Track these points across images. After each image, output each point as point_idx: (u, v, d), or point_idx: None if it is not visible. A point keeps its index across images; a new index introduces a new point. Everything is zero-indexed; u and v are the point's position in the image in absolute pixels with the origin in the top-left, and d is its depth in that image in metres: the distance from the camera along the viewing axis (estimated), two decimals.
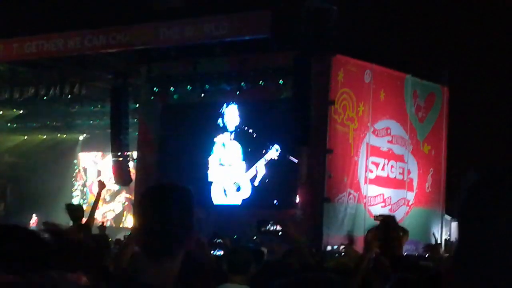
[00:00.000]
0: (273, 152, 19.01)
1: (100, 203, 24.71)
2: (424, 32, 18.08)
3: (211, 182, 19.90)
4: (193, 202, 3.17)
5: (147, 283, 2.99)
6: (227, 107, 19.85)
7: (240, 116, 19.68)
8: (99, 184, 11.30)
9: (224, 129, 19.95)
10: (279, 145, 18.62)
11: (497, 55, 18.03)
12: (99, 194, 11.25)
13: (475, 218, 1.30)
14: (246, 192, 19.48)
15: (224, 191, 19.85)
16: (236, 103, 19.68)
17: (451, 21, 18.24)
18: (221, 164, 20.00)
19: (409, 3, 17.81)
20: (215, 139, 20.10)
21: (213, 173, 20.04)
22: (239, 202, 19.42)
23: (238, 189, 19.68)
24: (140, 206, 3.21)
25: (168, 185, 3.32)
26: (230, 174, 19.77)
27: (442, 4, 18.03)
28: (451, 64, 19.03)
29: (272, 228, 17.49)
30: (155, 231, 3.02)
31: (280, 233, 16.90)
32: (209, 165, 20.12)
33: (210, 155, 20.13)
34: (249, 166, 19.46)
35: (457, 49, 18.42)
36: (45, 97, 22.01)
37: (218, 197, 19.78)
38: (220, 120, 19.95)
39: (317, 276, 2.37)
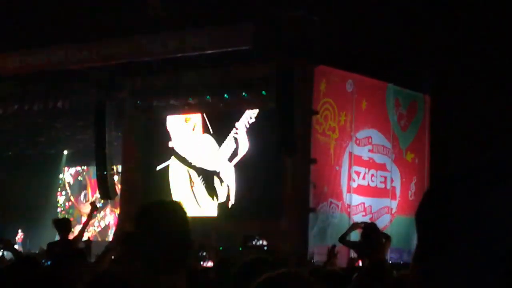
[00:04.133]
0: (246, 118, 19.03)
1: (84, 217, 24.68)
2: (405, 41, 18.14)
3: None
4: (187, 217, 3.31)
5: None
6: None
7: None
8: (91, 205, 11.37)
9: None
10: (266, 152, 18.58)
11: (479, 62, 18.10)
12: (90, 216, 11.29)
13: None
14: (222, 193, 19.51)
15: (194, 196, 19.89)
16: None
17: (432, 29, 18.31)
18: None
19: (390, 13, 17.88)
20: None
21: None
22: (214, 213, 19.45)
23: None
24: (142, 223, 3.24)
25: (167, 202, 3.51)
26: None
27: (423, 13, 18.10)
28: (433, 72, 19.10)
29: (258, 243, 17.54)
30: (166, 248, 3.09)
31: (266, 247, 16.96)
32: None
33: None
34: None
35: (438, 57, 18.49)
36: (29, 112, 21.96)
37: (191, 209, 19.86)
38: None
39: (290, 272, 2.50)
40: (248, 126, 19.05)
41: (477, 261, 1.10)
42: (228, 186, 19.39)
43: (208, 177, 19.77)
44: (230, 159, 19.35)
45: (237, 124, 19.15)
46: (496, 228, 1.10)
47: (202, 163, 19.94)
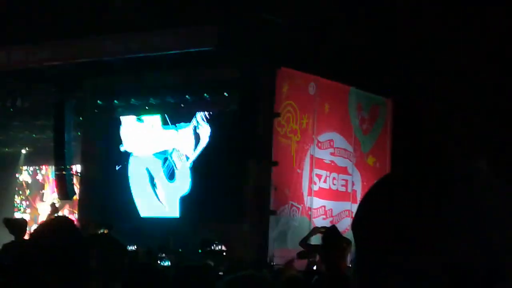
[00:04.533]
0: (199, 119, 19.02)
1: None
2: (367, 44, 18.19)
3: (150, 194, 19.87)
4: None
5: None
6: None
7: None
8: (51, 207, 11.22)
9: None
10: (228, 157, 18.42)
11: (441, 66, 18.21)
12: (49, 217, 11.14)
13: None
14: (183, 179, 19.37)
15: (154, 186, 19.73)
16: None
17: (394, 33, 18.39)
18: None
19: (352, 16, 17.93)
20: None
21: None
22: (177, 215, 19.33)
23: (171, 176, 19.51)
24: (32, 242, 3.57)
25: (53, 222, 3.80)
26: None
27: (385, 17, 18.18)
28: (395, 76, 19.16)
29: (216, 247, 17.46)
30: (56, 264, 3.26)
31: (224, 252, 16.86)
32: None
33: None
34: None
35: (400, 61, 18.56)
36: None
37: (146, 208, 19.75)
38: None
39: (253, 274, 2.63)
40: (206, 119, 18.95)
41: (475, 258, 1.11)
42: (188, 181, 19.27)
43: (168, 167, 19.62)
44: (191, 153, 19.24)
45: (197, 116, 19.06)
46: (493, 228, 1.12)
47: (160, 148, 19.81)
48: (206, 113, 18.98)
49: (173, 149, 19.51)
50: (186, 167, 19.28)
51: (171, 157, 19.57)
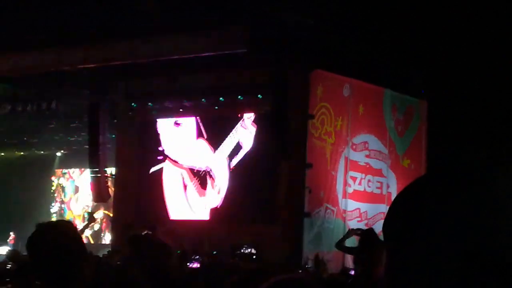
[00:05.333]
0: (246, 121, 18.94)
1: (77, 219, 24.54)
2: (402, 46, 18.07)
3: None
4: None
5: None
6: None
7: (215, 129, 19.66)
8: (89, 216, 11.24)
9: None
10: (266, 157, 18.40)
11: (476, 68, 18.06)
12: (87, 225, 11.17)
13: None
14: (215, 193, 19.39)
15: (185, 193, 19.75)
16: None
17: (430, 35, 18.25)
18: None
19: (387, 18, 17.82)
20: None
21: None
22: (207, 217, 19.33)
23: (203, 185, 19.56)
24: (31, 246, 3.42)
25: (52, 224, 3.79)
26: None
27: (420, 19, 18.05)
28: (429, 78, 19.03)
29: (246, 251, 17.44)
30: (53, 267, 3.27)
31: (254, 256, 16.84)
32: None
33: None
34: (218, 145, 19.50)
35: (435, 63, 18.43)
36: (22, 113, 21.86)
37: (177, 211, 19.78)
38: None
39: (301, 277, 2.55)
40: (247, 128, 18.99)
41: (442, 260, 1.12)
42: (220, 189, 19.28)
43: (201, 179, 19.66)
44: (230, 158, 19.24)
45: (237, 126, 19.08)
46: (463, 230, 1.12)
47: (195, 164, 19.84)
48: (247, 125, 19.00)
49: (207, 166, 19.59)
50: (219, 184, 19.31)
51: (205, 173, 19.64)
